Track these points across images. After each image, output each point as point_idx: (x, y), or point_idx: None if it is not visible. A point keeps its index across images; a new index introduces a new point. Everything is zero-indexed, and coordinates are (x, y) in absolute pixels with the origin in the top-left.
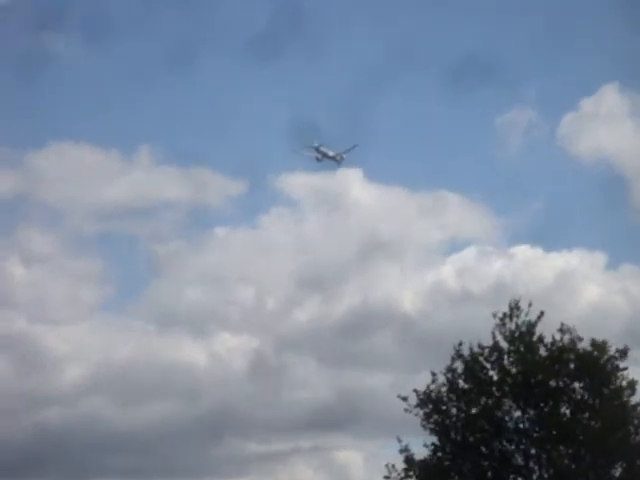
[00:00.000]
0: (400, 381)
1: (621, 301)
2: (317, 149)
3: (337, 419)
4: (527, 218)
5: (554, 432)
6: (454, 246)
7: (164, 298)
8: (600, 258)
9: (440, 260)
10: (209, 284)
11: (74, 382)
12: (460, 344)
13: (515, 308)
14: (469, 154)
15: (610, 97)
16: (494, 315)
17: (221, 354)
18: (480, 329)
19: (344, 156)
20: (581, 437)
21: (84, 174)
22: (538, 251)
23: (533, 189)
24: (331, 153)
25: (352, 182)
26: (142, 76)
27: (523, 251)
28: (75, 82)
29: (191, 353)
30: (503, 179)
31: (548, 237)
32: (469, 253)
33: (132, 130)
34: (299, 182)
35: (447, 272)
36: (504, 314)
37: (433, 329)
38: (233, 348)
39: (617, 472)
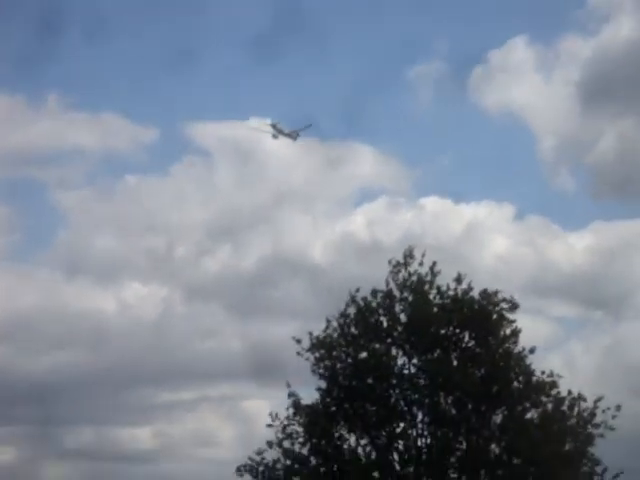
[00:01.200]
0: (307, 330)
1: (528, 252)
2: (274, 126)
3: (245, 368)
4: (437, 170)
5: (439, 379)
6: (364, 197)
7: (72, 246)
8: (508, 210)
9: (350, 211)
10: (118, 233)
11: None
12: (357, 290)
13: (409, 257)
14: (380, 106)
15: (518, 50)
16: (389, 262)
17: (130, 303)
18: None
19: (300, 133)
20: (465, 385)
21: None
22: (447, 202)
23: (444, 142)
24: (286, 130)
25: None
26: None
27: (433, 202)
28: None
29: (99, 302)
30: (414, 131)
31: (457, 189)
32: (379, 204)
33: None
34: (211, 131)
35: (357, 223)
36: (397, 262)
37: (342, 279)
38: (142, 297)
39: (498, 418)
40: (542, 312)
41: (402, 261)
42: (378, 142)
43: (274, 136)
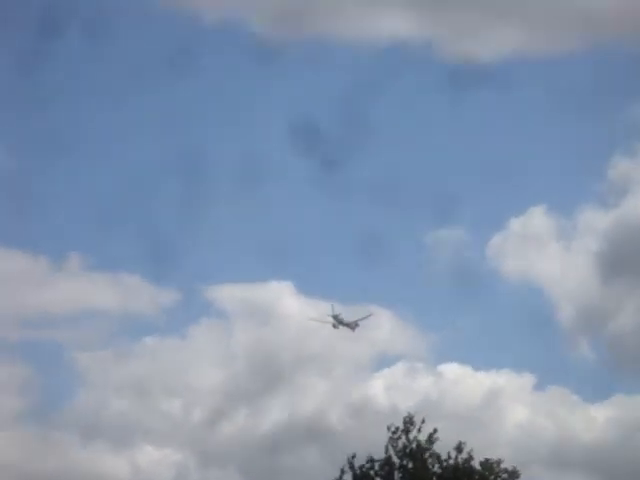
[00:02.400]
0: None
1: (548, 423)
2: (335, 317)
3: None
4: (456, 336)
5: None
6: (383, 361)
7: (87, 409)
8: (528, 379)
9: (369, 375)
10: (134, 395)
11: None
12: (354, 456)
13: (409, 423)
14: (399, 270)
15: (537, 219)
16: (388, 429)
17: (144, 467)
18: None
19: (359, 323)
20: None
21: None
22: (467, 369)
23: (462, 307)
24: (346, 321)
25: (282, 295)
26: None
27: (452, 369)
28: None
29: (114, 465)
30: (433, 296)
31: (477, 356)
32: (398, 369)
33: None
34: (229, 293)
35: (376, 387)
36: (397, 428)
37: (359, 445)
38: (156, 461)
39: None
40: None
41: (402, 427)
42: (396, 307)
43: (334, 326)
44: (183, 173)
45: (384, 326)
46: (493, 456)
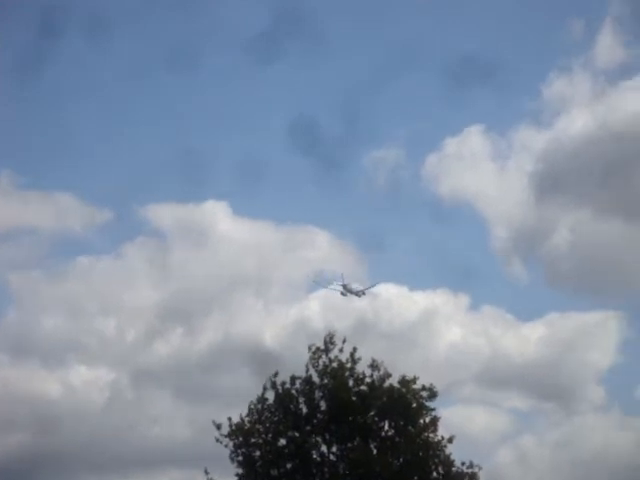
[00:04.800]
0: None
1: (481, 342)
2: (344, 286)
3: (194, 455)
4: (393, 257)
5: (359, 468)
6: (319, 282)
7: (20, 328)
8: (463, 299)
9: (304, 296)
10: (68, 314)
11: None
12: (276, 374)
13: (330, 343)
14: (336, 191)
15: (473, 139)
16: (309, 349)
17: (77, 387)
18: None
19: (365, 292)
20: (384, 474)
21: None
22: (403, 290)
23: (396, 228)
24: (355, 289)
25: (218, 215)
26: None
27: (388, 289)
28: None
29: (45, 385)
30: (370, 217)
31: (413, 277)
32: (334, 289)
33: None
34: (165, 212)
35: (311, 308)
36: (317, 348)
37: (294, 365)
38: (90, 381)
39: None
40: (496, 404)
41: (323, 347)
42: (334, 226)
43: (342, 294)
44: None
45: (321, 247)
46: (425, 376)
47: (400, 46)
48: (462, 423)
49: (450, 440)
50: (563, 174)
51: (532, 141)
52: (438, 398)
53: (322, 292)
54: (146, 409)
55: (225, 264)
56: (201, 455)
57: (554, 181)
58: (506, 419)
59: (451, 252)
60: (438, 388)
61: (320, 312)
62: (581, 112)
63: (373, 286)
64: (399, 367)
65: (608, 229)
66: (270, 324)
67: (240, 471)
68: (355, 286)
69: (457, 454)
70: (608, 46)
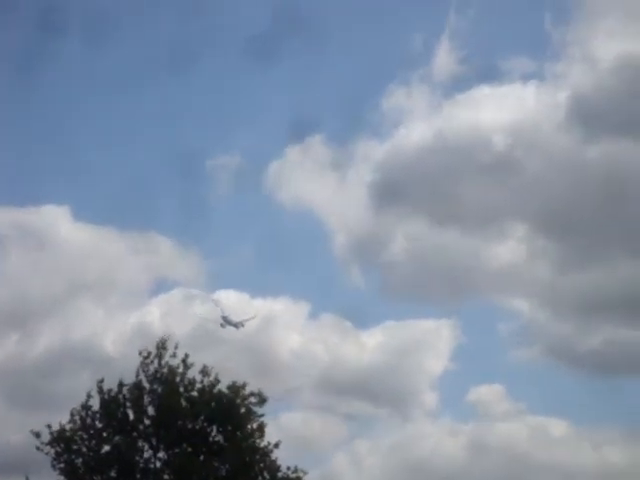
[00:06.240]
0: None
1: (320, 349)
2: (224, 318)
3: (23, 462)
4: (234, 264)
5: (184, 474)
6: (160, 288)
7: None
8: (303, 306)
9: (145, 302)
10: None
11: None
12: (102, 380)
13: (162, 348)
14: (178, 197)
15: (314, 148)
16: (140, 353)
17: None
18: None
19: (244, 324)
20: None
21: None
22: (244, 296)
23: (241, 235)
24: (233, 321)
25: (58, 219)
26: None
27: (228, 296)
28: None
29: None
30: (212, 223)
31: (254, 284)
32: (174, 295)
33: None
34: (2, 216)
35: (152, 314)
36: (148, 353)
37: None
38: None
39: None
40: (333, 409)
41: (154, 352)
42: (175, 233)
43: (222, 325)
44: None
45: (163, 253)
46: (265, 382)
47: None
48: (300, 428)
49: (276, 445)
50: (400, 184)
51: (372, 152)
52: (277, 404)
53: (164, 297)
54: None
55: (64, 269)
56: (31, 462)
57: (392, 191)
58: (343, 425)
59: (293, 260)
60: (276, 394)
61: (160, 318)
62: (418, 124)
63: (252, 318)
64: (239, 373)
65: (443, 238)
66: (110, 329)
67: (62, 479)
68: (233, 318)
69: (294, 459)
70: (445, 61)
